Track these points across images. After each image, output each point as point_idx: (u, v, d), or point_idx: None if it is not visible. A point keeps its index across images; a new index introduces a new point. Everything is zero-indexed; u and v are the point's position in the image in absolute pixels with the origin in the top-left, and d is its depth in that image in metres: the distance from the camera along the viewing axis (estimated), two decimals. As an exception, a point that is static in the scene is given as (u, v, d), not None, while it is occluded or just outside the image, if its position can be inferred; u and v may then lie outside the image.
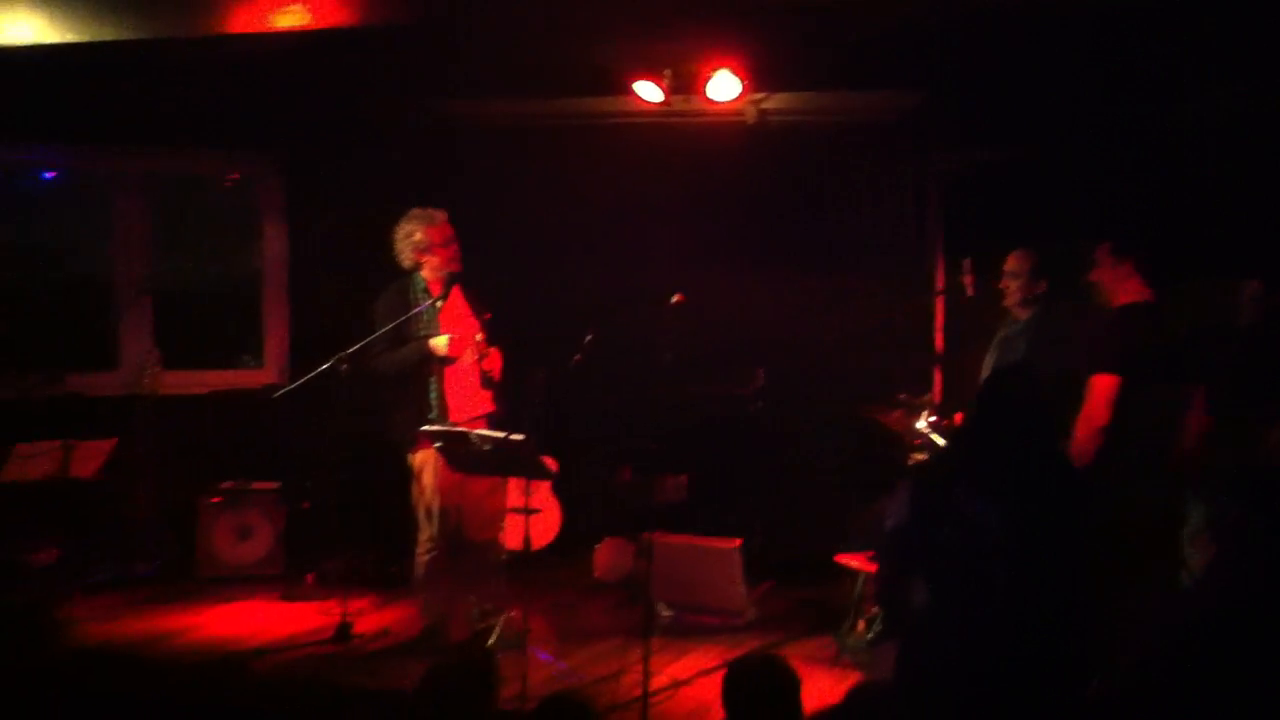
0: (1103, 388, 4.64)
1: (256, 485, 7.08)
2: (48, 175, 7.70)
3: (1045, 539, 3.36)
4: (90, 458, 6.39)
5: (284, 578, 6.83)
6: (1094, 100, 6.14)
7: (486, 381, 5.56)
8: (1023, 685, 3.35)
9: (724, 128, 6.91)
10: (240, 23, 6.07)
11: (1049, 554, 3.36)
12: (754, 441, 7.12)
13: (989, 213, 6.43)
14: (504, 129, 7.28)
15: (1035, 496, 3.41)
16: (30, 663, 3.84)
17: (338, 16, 6.00)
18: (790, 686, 3.63)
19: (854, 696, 3.60)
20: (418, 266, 5.61)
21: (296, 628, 6.03)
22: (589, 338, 5.56)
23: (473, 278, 5.74)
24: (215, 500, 6.98)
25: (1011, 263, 5.50)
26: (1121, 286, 4.88)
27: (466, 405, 5.54)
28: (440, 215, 5.60)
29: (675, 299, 5.28)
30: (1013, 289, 5.50)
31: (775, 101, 6.72)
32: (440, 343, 5.45)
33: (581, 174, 7.30)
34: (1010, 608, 3.33)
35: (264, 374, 7.72)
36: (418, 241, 5.55)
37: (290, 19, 5.98)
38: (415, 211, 5.60)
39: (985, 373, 5.56)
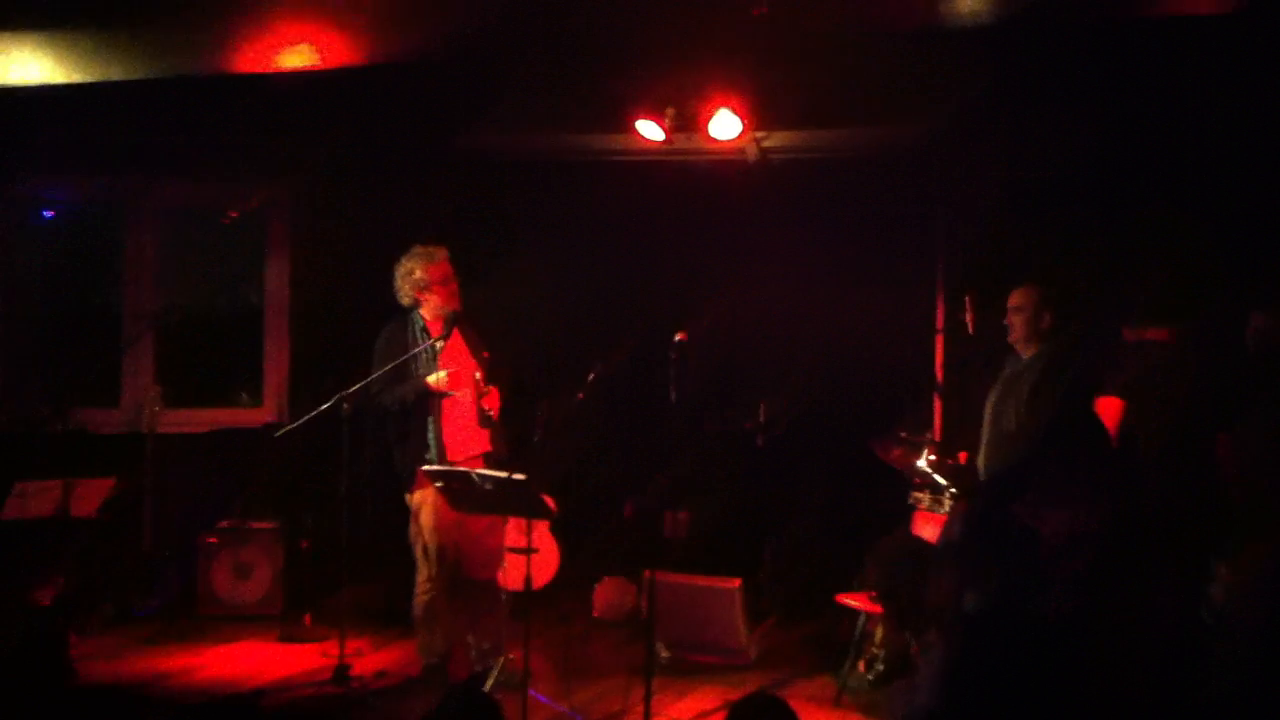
0: (1105, 411, 4.61)
1: (255, 524, 7.06)
2: (47, 214, 7.73)
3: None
4: (90, 496, 6.36)
5: (282, 617, 6.80)
6: (1097, 137, 6.14)
7: (484, 420, 5.55)
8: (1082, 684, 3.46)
9: (726, 165, 6.93)
10: (247, 63, 6.10)
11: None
12: (756, 478, 7.09)
13: (991, 250, 6.42)
14: (510, 165, 7.31)
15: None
16: (33, 702, 3.82)
17: (345, 56, 6.04)
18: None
19: None
20: (417, 304, 5.61)
21: (295, 668, 5.99)
22: (592, 376, 5.54)
23: (477, 312, 5.75)
24: (213, 539, 6.95)
25: (1016, 298, 5.46)
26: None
27: (464, 444, 5.53)
28: (440, 253, 5.60)
29: (679, 337, 5.26)
30: (1017, 324, 5.44)
31: (776, 139, 6.73)
32: (439, 378, 5.45)
33: (587, 210, 7.32)
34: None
35: (263, 412, 7.71)
36: (417, 280, 5.55)
37: (297, 59, 6.02)
38: (416, 249, 5.60)
39: (989, 411, 5.53)
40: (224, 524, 7.03)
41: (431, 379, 5.47)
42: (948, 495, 5.55)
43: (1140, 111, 5.87)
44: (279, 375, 7.77)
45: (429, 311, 5.60)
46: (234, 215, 7.76)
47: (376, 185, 7.40)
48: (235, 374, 7.97)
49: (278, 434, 6.01)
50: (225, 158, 7.36)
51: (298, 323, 7.76)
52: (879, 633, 5.92)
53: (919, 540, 5.53)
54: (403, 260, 5.61)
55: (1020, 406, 5.24)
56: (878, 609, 5.69)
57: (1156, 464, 4.56)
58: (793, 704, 3.69)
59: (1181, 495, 4.55)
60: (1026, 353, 5.44)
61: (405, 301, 5.62)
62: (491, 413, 5.57)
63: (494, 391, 5.56)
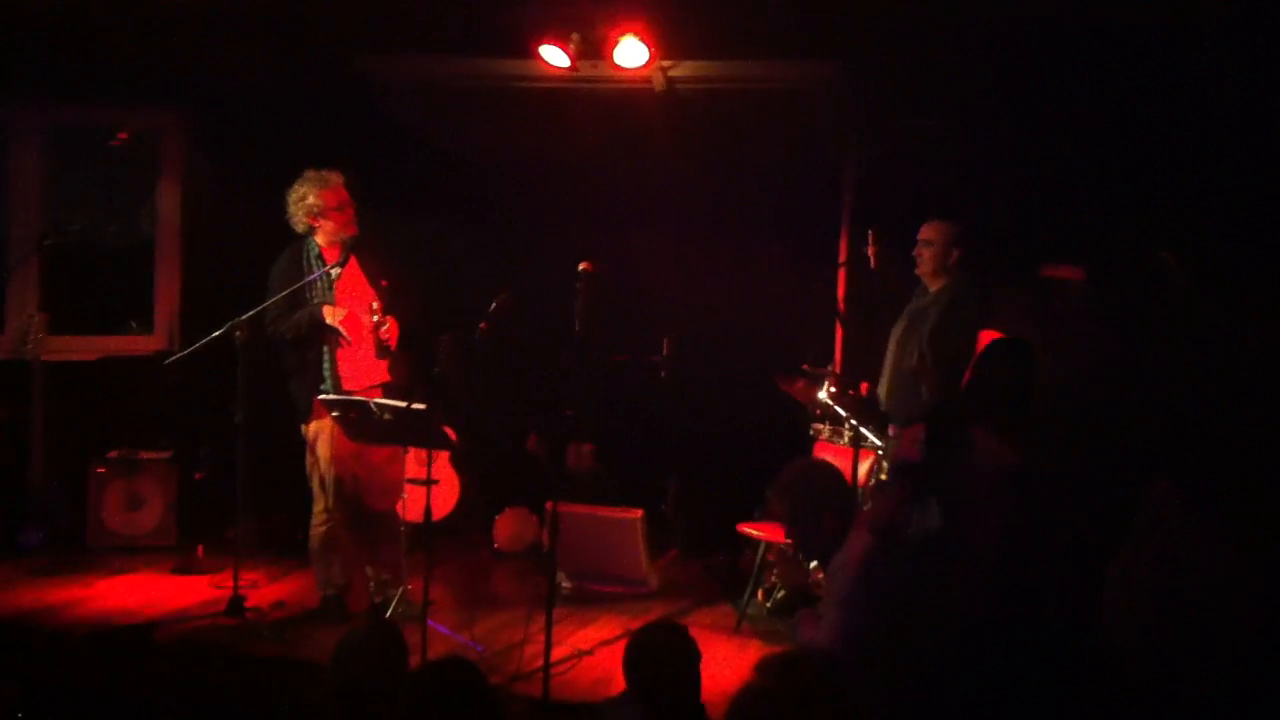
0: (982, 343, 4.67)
1: (146, 454, 6.89)
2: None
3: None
4: (-29, 425, 6.19)
5: (176, 549, 6.67)
6: (1005, 76, 6.16)
7: (382, 351, 5.44)
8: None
9: (633, 94, 6.83)
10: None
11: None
12: (660, 410, 7.09)
13: (898, 185, 6.44)
14: (412, 90, 7.12)
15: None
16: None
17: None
18: (691, 656, 3.64)
19: (767, 669, 3.62)
20: (311, 231, 5.47)
21: (189, 600, 5.88)
22: (495, 305, 5.47)
23: (378, 240, 5.62)
24: (103, 470, 6.78)
25: (926, 232, 5.50)
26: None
27: (361, 375, 5.43)
28: (335, 178, 5.45)
29: (583, 266, 5.21)
30: (925, 258, 5.49)
31: (683, 69, 6.65)
32: (335, 315, 5.34)
33: (491, 137, 7.19)
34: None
35: (154, 340, 7.50)
36: (310, 205, 5.40)
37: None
38: (309, 174, 5.45)
39: (893, 343, 5.58)
40: (114, 454, 6.85)
41: (327, 313, 5.35)
42: (847, 426, 5.61)
43: (1057, 50, 5.90)
44: (170, 303, 7.56)
45: (324, 238, 5.46)
46: (123, 137, 7.53)
47: (273, 110, 7.19)
48: (124, 301, 7.72)
49: (168, 361, 5.85)
50: (114, 77, 7.08)
51: (190, 249, 7.54)
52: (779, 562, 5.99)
53: (822, 463, 5.55)
54: (296, 185, 5.45)
55: (923, 343, 5.30)
56: (779, 539, 5.75)
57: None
58: (693, 632, 3.74)
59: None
60: (933, 286, 5.50)
61: (299, 228, 5.48)
62: (389, 343, 5.46)
63: (392, 321, 5.45)
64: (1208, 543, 3.79)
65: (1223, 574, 3.74)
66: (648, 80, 6.70)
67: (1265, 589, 3.68)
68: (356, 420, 5.05)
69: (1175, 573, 3.81)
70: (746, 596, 5.83)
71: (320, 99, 7.13)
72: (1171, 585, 3.80)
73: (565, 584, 6.08)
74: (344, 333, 5.34)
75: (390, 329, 5.43)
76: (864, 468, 5.53)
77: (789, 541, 5.32)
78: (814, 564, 5.78)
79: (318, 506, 5.49)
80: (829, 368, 6.10)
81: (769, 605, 5.88)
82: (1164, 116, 5.76)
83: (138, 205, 7.70)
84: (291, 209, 5.44)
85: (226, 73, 7.02)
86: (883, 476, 5.49)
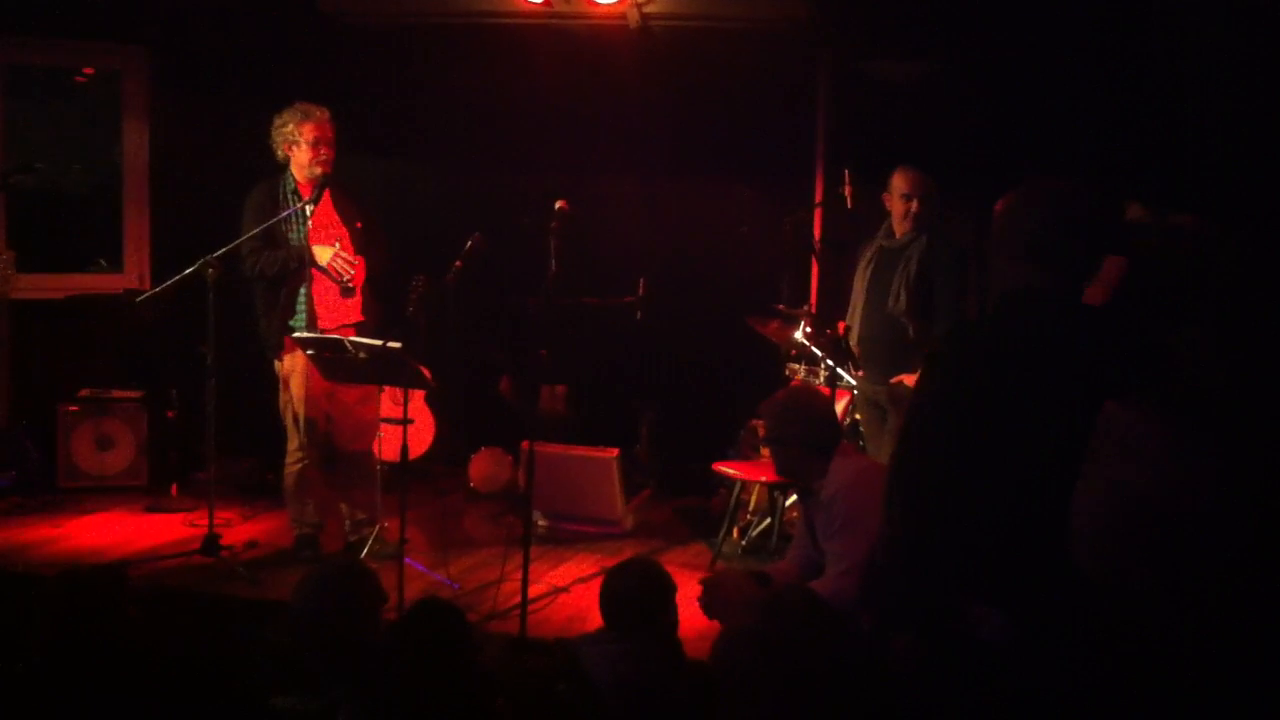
0: None
1: (117, 393, 6.84)
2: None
3: None
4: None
5: (148, 489, 6.65)
6: (979, 17, 6.11)
7: (346, 291, 5.39)
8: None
9: (607, 31, 6.76)
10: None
11: None
12: (634, 351, 7.08)
13: (873, 125, 6.42)
14: (384, 26, 7.02)
15: None
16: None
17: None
18: (667, 591, 3.66)
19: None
20: (287, 162, 5.40)
21: (162, 539, 5.87)
22: (470, 244, 5.41)
23: (351, 180, 5.57)
24: (73, 408, 6.72)
25: (907, 184, 5.42)
26: None
27: (335, 313, 5.40)
28: (320, 113, 5.38)
29: (558, 205, 5.16)
30: (900, 206, 5.43)
31: (658, 5, 6.57)
32: (324, 254, 5.29)
33: (465, 76, 7.12)
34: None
35: (124, 278, 7.41)
36: (287, 133, 5.35)
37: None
38: (298, 104, 5.39)
39: (863, 284, 5.56)
40: (84, 393, 6.80)
41: (318, 252, 5.31)
42: (823, 366, 5.62)
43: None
44: (140, 241, 7.45)
45: (298, 171, 5.40)
46: (89, 72, 7.39)
47: (247, 46, 7.08)
48: (92, 239, 7.62)
49: (139, 299, 5.78)
50: (77, 15, 6.94)
51: (159, 187, 7.42)
52: (753, 501, 6.03)
53: (814, 389, 5.55)
54: (283, 112, 5.40)
55: (909, 284, 5.28)
56: (753, 477, 5.77)
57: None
58: (668, 569, 3.75)
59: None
60: (901, 230, 5.47)
61: (278, 156, 5.42)
62: (352, 283, 5.40)
63: (360, 261, 5.41)
64: (1166, 450, 3.76)
65: (1186, 479, 3.73)
66: (622, 17, 6.62)
67: (1231, 488, 3.67)
68: (331, 360, 5.02)
69: (1137, 485, 3.79)
70: (721, 535, 5.86)
71: (286, 37, 7.02)
72: (1134, 497, 3.78)
73: (540, 523, 6.10)
74: (340, 275, 5.32)
75: (357, 269, 5.39)
76: (840, 407, 5.55)
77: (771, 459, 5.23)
78: (789, 503, 5.84)
79: (291, 445, 5.47)
80: (804, 308, 6.10)
81: (743, 544, 5.92)
82: (1146, 61, 5.74)
83: (104, 144, 7.57)
84: (273, 135, 5.40)
85: (191, 10, 6.91)
86: (857, 416, 5.50)
